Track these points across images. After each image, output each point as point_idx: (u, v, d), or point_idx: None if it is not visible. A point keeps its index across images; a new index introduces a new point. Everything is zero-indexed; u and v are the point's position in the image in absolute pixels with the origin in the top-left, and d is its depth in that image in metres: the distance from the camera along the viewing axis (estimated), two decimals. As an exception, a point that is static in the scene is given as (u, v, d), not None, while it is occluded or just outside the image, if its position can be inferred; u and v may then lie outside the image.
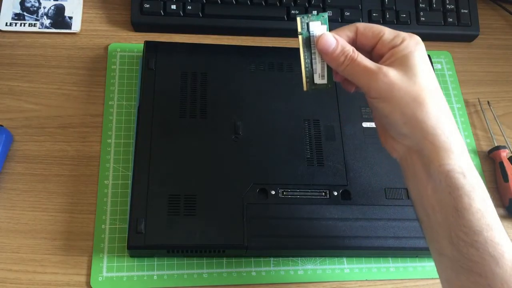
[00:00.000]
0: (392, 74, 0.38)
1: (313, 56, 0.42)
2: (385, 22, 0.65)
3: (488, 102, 0.63)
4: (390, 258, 0.53)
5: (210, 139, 0.53)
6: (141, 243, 0.47)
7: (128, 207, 0.51)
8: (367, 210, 0.51)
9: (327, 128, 0.55)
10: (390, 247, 0.50)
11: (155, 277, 0.49)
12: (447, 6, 0.66)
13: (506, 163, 0.58)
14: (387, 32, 0.40)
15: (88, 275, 0.49)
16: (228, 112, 0.54)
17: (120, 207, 0.52)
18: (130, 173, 0.53)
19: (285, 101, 0.56)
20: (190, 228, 0.48)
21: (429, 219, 0.38)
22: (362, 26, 0.41)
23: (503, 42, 0.70)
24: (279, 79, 0.57)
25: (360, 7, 0.65)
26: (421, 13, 0.65)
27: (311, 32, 0.41)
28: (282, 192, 0.51)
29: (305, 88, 0.43)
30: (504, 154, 0.59)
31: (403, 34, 0.40)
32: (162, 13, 0.61)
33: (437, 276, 0.53)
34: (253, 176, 0.51)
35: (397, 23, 0.65)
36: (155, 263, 0.50)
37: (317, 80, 0.42)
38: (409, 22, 0.65)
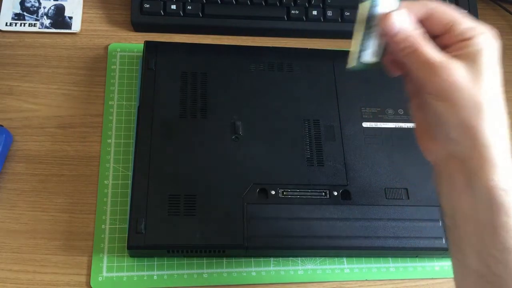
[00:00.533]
0: (457, 71, 0.34)
1: (369, 30, 0.36)
2: (385, 22, 0.65)
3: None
4: (390, 258, 0.53)
5: (210, 139, 0.53)
6: (141, 243, 0.47)
7: (128, 207, 0.51)
8: (367, 210, 0.51)
9: (327, 128, 0.55)
10: (390, 247, 0.50)
11: (155, 277, 0.49)
12: (447, 6, 0.66)
13: (506, 163, 0.58)
14: (462, 22, 0.35)
15: (88, 275, 0.49)
16: (228, 112, 0.54)
17: (120, 207, 0.52)
18: (130, 173, 0.53)
19: (285, 101, 0.56)
20: (190, 228, 0.48)
21: (458, 229, 0.36)
22: (437, 8, 0.36)
23: (503, 42, 0.69)
24: (279, 79, 0.57)
25: (360, 7, 0.65)
26: (421, 13, 0.65)
27: (376, 3, 0.35)
28: (282, 192, 0.51)
29: (351, 65, 0.38)
30: (504, 154, 0.59)
31: (478, 28, 0.36)
32: (162, 13, 0.61)
33: (437, 276, 0.53)
34: (253, 176, 0.51)
35: (397, 23, 0.65)
36: (155, 263, 0.50)
37: (368, 57, 0.37)
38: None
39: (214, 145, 0.52)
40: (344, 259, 0.52)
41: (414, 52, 0.35)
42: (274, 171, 0.52)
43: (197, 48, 0.59)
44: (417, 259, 0.53)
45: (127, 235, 0.48)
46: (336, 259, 0.52)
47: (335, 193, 0.52)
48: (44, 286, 0.48)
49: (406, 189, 0.53)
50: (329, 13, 0.63)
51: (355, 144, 0.55)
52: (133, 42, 0.61)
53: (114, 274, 0.49)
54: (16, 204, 0.51)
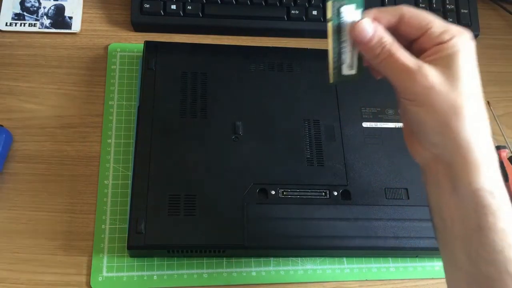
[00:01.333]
0: (432, 76, 0.34)
1: (342, 45, 0.37)
2: (385, 22, 0.65)
3: (488, 102, 0.63)
4: (390, 258, 0.53)
5: (210, 139, 0.53)
6: (141, 243, 0.47)
7: (128, 207, 0.51)
8: (367, 210, 0.51)
9: (327, 128, 0.55)
10: (390, 247, 0.50)
11: (155, 277, 0.49)
12: (447, 6, 0.66)
13: (506, 163, 0.58)
14: (436, 25, 0.35)
15: (88, 275, 0.49)
16: (228, 112, 0.54)
17: (120, 207, 0.52)
18: (130, 173, 0.53)
19: (285, 101, 0.56)
20: (190, 228, 0.48)
21: (446, 229, 0.37)
22: (408, 13, 0.36)
23: (503, 42, 0.70)
24: (279, 79, 0.57)
25: (360, 7, 0.65)
26: (421, 13, 0.65)
27: (342, 18, 0.36)
28: (282, 192, 0.51)
29: (331, 80, 0.39)
30: (504, 154, 0.59)
31: (453, 30, 0.35)
32: (162, 13, 0.61)
33: (437, 276, 0.53)
34: (253, 176, 0.51)
35: (397, 23, 0.65)
36: (155, 263, 0.50)
37: (345, 71, 0.38)
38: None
39: (214, 145, 0.52)
40: (344, 259, 0.52)
41: (388, 58, 0.35)
42: (274, 171, 0.52)
43: (197, 48, 0.59)
44: (417, 259, 0.53)
45: (127, 235, 0.48)
46: (336, 259, 0.52)
47: (335, 193, 0.52)
48: (44, 286, 0.48)
49: (406, 189, 0.53)
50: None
51: (355, 144, 0.55)
52: (133, 42, 0.61)
53: (114, 274, 0.49)
54: (16, 204, 0.51)
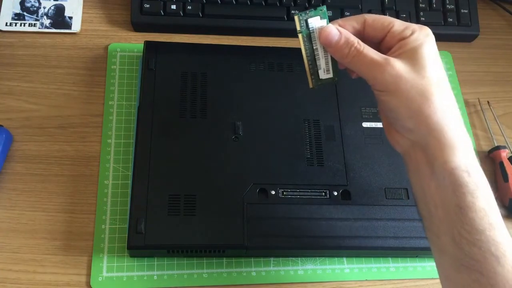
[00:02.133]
0: (399, 66, 0.37)
1: (315, 52, 0.41)
2: (385, 22, 0.65)
3: (488, 102, 0.63)
4: (390, 258, 0.53)
5: (210, 139, 0.53)
6: (141, 243, 0.47)
7: (128, 207, 0.51)
8: (367, 210, 0.51)
9: (327, 128, 0.55)
10: (390, 247, 0.50)
11: (155, 277, 0.49)
12: (447, 6, 0.66)
13: (506, 163, 0.58)
14: (397, 24, 0.39)
15: (88, 275, 0.49)
16: (228, 112, 0.54)
17: (120, 207, 0.52)
18: (130, 173, 0.53)
19: (285, 101, 0.56)
20: (190, 228, 0.48)
21: (431, 215, 0.38)
22: (370, 18, 0.39)
23: (503, 42, 0.70)
24: (279, 79, 0.57)
25: (360, 7, 0.65)
26: (421, 13, 0.65)
27: (311, 28, 0.40)
28: (282, 192, 0.51)
29: (311, 86, 0.42)
30: (504, 154, 0.59)
31: (413, 26, 0.38)
32: (162, 13, 0.61)
33: (437, 276, 0.53)
34: (253, 176, 0.51)
35: (397, 23, 0.65)
36: (155, 263, 0.50)
37: (322, 75, 0.41)
38: (409, 22, 0.65)
39: (214, 145, 0.52)
40: (344, 259, 0.52)
41: (357, 56, 0.38)
42: (274, 171, 0.52)
43: (197, 48, 0.59)
44: (417, 259, 0.53)
45: (127, 235, 0.48)
46: (336, 259, 0.52)
47: (335, 193, 0.52)
48: (44, 286, 0.48)
49: (406, 189, 0.53)
50: (329, 13, 0.63)
51: (355, 144, 0.55)
52: (133, 42, 0.61)
53: (114, 274, 0.49)
54: (16, 204, 0.51)
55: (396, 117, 0.38)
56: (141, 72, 0.57)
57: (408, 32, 0.38)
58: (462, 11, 0.66)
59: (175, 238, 0.48)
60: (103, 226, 0.51)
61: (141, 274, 0.49)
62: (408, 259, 0.53)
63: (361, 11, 0.64)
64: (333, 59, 0.41)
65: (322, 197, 0.52)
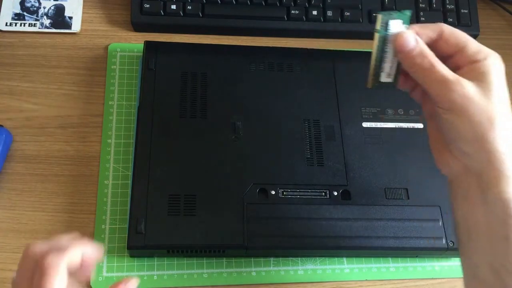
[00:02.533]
0: (469, 87, 0.36)
1: (385, 55, 0.40)
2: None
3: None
4: (390, 258, 0.53)
5: (210, 139, 0.53)
6: (141, 243, 0.47)
7: (128, 207, 0.51)
8: (367, 210, 0.51)
9: (327, 128, 0.55)
10: (390, 247, 0.50)
11: (155, 277, 0.49)
12: (447, 6, 0.66)
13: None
14: (471, 45, 0.38)
15: (88, 275, 0.49)
16: (228, 112, 0.54)
17: (120, 207, 0.52)
18: (130, 173, 0.53)
19: (285, 101, 0.56)
20: (190, 228, 0.48)
21: (470, 242, 0.37)
22: (448, 30, 0.38)
23: (503, 42, 0.69)
24: (279, 79, 0.57)
25: (360, 7, 0.65)
26: (421, 13, 0.65)
27: (389, 30, 0.39)
28: (282, 192, 0.51)
29: (369, 85, 0.42)
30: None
31: (486, 51, 0.38)
32: (162, 13, 0.61)
33: (437, 276, 0.53)
34: (253, 176, 0.51)
35: (397, 23, 0.65)
36: (155, 263, 0.50)
37: (383, 78, 0.41)
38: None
39: (214, 145, 0.52)
40: (344, 259, 0.52)
41: (429, 69, 0.37)
42: (274, 171, 0.52)
43: (197, 48, 0.59)
44: (417, 259, 0.53)
45: (127, 235, 0.48)
46: (336, 259, 0.52)
47: (335, 193, 0.52)
48: (44, 286, 0.48)
49: (406, 189, 0.53)
50: (329, 13, 0.63)
51: (355, 144, 0.55)
52: (133, 42, 0.61)
53: (114, 274, 0.49)
54: (16, 204, 0.51)
55: (455, 139, 0.37)
56: (141, 72, 0.57)
57: (481, 56, 0.37)
58: (462, 11, 0.66)
59: (175, 238, 0.48)
60: (103, 226, 0.51)
61: (141, 274, 0.49)
62: (408, 259, 0.53)
63: (361, 11, 0.64)
64: (398, 65, 0.40)
65: (322, 197, 0.52)
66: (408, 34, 0.38)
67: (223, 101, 0.55)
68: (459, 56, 0.38)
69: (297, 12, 0.63)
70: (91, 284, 0.48)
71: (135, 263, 0.50)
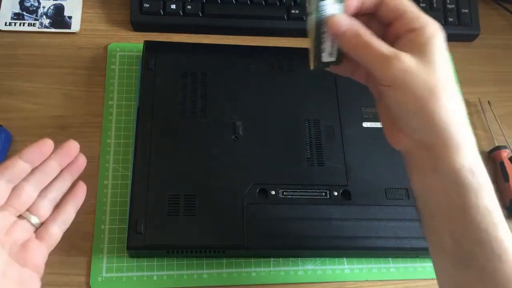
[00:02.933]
0: (408, 61, 0.35)
1: (322, 36, 0.39)
2: (385, 22, 0.65)
3: (489, 102, 0.63)
4: (390, 259, 0.53)
5: (210, 139, 0.52)
6: (140, 244, 0.47)
7: (128, 207, 0.51)
8: (367, 210, 0.51)
9: (327, 128, 0.55)
10: (390, 247, 0.50)
11: (154, 277, 0.49)
12: (448, 5, 0.66)
13: (507, 163, 0.58)
14: (409, 11, 0.37)
15: (88, 275, 0.49)
16: (228, 112, 0.54)
17: (120, 207, 0.52)
18: (130, 173, 0.53)
19: (285, 101, 0.56)
20: (190, 228, 0.48)
21: (432, 214, 0.38)
22: None
23: (503, 42, 0.69)
24: (279, 79, 0.57)
25: (360, 7, 0.65)
26: (421, 13, 0.65)
27: (322, 12, 0.38)
28: (282, 192, 0.51)
29: (311, 67, 0.41)
30: (505, 154, 0.59)
31: (424, 18, 0.37)
32: (162, 13, 0.61)
33: (438, 277, 0.53)
34: (253, 176, 0.51)
35: (397, 23, 0.65)
36: (155, 263, 0.50)
37: (325, 58, 0.40)
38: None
39: (214, 145, 0.52)
40: (344, 259, 0.52)
41: (365, 47, 0.37)
42: (274, 171, 0.52)
43: (197, 48, 0.59)
44: (417, 259, 0.53)
45: (126, 235, 0.47)
46: (336, 259, 0.52)
47: (335, 193, 0.52)
48: (44, 286, 0.48)
49: (406, 189, 0.53)
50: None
51: (355, 144, 0.55)
52: (133, 42, 0.61)
53: (114, 275, 0.49)
54: (15, 204, 0.51)
55: (401, 113, 0.37)
56: (140, 72, 0.56)
57: (418, 24, 0.37)
58: (462, 11, 0.66)
59: (175, 238, 0.48)
60: (102, 227, 0.51)
61: (141, 274, 0.49)
62: (408, 259, 0.53)
63: (361, 11, 0.64)
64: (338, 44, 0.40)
65: (322, 197, 0.51)
66: (339, 16, 0.37)
67: (223, 101, 0.55)
68: (398, 23, 0.37)
69: (297, 12, 0.63)
70: (90, 284, 0.48)
71: (135, 264, 0.50)
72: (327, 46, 0.40)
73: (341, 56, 0.40)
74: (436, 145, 0.36)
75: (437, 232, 0.38)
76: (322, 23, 0.39)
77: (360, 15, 0.39)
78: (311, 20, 0.39)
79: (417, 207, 0.40)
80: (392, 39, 0.38)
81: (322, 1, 0.38)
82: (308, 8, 0.39)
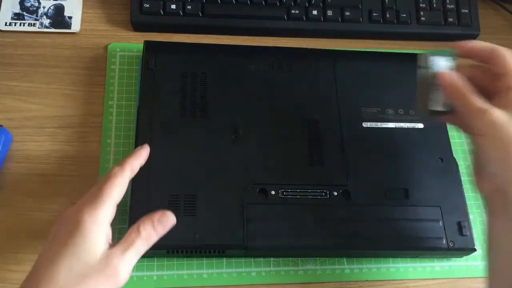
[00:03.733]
0: (498, 114, 0.40)
1: (433, 87, 0.44)
2: (385, 22, 0.65)
3: (489, 102, 0.63)
4: (390, 259, 0.53)
5: (210, 139, 0.53)
6: (141, 243, 0.47)
7: (128, 207, 0.50)
8: (367, 210, 0.51)
9: (327, 128, 0.55)
10: (390, 247, 0.50)
11: (154, 277, 0.49)
12: (448, 6, 0.66)
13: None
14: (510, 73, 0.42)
15: (88, 275, 0.49)
16: (228, 112, 0.54)
17: (120, 207, 0.52)
18: (130, 173, 0.53)
19: (285, 101, 0.56)
20: (190, 228, 0.48)
21: (495, 257, 0.41)
22: (497, 53, 0.43)
23: (503, 42, 0.68)
24: (279, 79, 0.57)
25: (360, 7, 0.65)
26: (421, 13, 0.65)
27: (433, 67, 0.44)
28: (282, 192, 0.51)
29: (422, 113, 0.46)
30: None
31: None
32: (162, 13, 0.61)
33: (437, 277, 0.53)
34: (253, 176, 0.51)
35: (398, 23, 0.65)
36: (155, 263, 0.50)
37: (433, 107, 0.45)
38: (409, 22, 0.65)
39: (214, 145, 0.52)
40: (344, 259, 0.52)
41: (463, 99, 0.42)
42: (274, 171, 0.52)
43: (197, 48, 0.59)
44: (417, 259, 0.53)
45: (127, 235, 0.47)
46: (336, 259, 0.52)
47: (335, 193, 0.52)
48: (44, 286, 0.48)
49: (406, 189, 0.53)
50: (329, 13, 0.63)
51: (355, 144, 0.54)
52: (133, 42, 0.61)
53: (114, 274, 0.49)
54: (16, 204, 0.51)
55: (486, 161, 0.41)
56: (140, 72, 0.56)
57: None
58: (462, 11, 0.66)
59: (175, 238, 0.48)
60: (103, 226, 0.51)
61: (141, 274, 0.49)
62: (408, 259, 0.53)
63: (361, 11, 0.64)
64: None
65: (322, 197, 0.52)
66: (448, 74, 0.43)
67: (223, 101, 0.55)
68: (501, 81, 0.42)
69: (297, 11, 0.63)
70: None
71: (135, 264, 0.49)
72: (434, 96, 0.45)
73: (447, 106, 0.45)
74: (510, 191, 0.39)
75: (499, 276, 0.40)
76: (431, 77, 0.44)
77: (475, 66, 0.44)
78: (421, 74, 0.45)
79: (488, 254, 0.42)
80: (498, 92, 0.42)
81: (435, 57, 0.44)
82: (418, 61, 0.45)
